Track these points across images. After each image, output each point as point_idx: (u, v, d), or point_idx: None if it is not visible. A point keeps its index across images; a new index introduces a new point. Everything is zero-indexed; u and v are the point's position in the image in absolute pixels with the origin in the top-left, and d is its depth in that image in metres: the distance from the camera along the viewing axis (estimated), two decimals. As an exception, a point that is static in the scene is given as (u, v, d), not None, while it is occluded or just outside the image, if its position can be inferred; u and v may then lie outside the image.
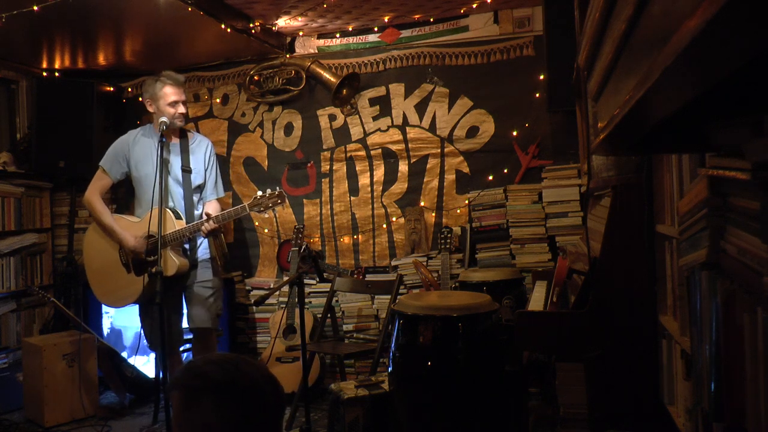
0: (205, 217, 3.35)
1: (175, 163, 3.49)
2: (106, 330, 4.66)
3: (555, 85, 3.44)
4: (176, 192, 3.47)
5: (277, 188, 3.31)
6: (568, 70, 3.14)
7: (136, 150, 3.52)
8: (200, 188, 3.55)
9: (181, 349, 3.66)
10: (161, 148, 3.32)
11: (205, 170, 3.56)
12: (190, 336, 3.62)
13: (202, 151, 3.57)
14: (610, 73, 0.88)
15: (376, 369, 3.61)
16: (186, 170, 3.49)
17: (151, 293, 3.34)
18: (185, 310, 3.55)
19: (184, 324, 3.58)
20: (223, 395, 1.21)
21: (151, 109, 3.48)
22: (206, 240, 3.53)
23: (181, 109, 3.44)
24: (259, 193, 3.25)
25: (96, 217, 3.53)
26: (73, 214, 4.63)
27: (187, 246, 3.47)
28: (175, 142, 3.53)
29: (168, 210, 3.37)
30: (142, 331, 3.56)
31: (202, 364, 1.28)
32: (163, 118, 3.37)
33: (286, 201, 3.30)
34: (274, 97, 4.41)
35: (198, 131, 4.39)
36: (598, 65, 0.93)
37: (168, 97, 3.41)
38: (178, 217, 3.39)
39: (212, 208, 3.51)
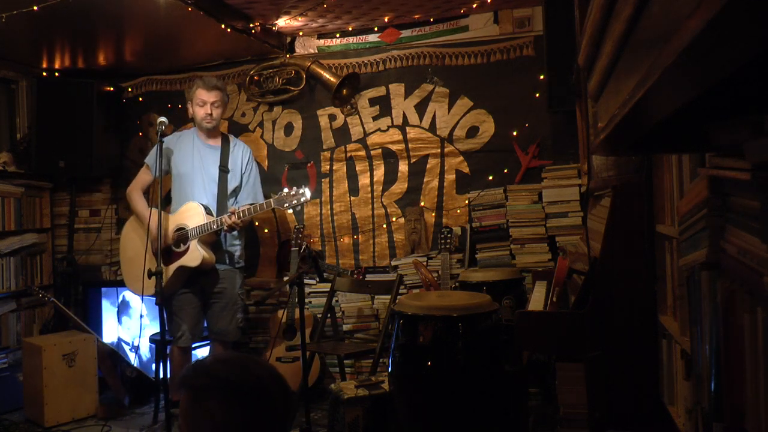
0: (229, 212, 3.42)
1: (213, 162, 3.64)
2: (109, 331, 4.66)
3: (555, 85, 3.43)
4: (211, 190, 3.60)
5: (303, 187, 3.39)
6: (568, 70, 3.14)
7: (178, 149, 3.68)
8: (236, 192, 3.67)
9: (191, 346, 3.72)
10: (160, 148, 3.42)
11: (242, 174, 3.69)
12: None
13: (239, 155, 3.71)
14: (610, 73, 0.88)
15: (376, 369, 3.61)
16: (223, 170, 3.63)
17: (174, 285, 3.50)
18: (209, 317, 3.66)
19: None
20: (230, 395, 1.20)
21: (190, 111, 3.71)
22: (239, 246, 3.67)
23: (207, 110, 3.57)
24: (285, 189, 3.37)
25: (132, 207, 3.75)
26: (73, 214, 4.63)
27: (230, 249, 3.59)
28: (216, 144, 3.70)
29: (200, 205, 3.51)
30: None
31: (210, 363, 1.27)
32: (163, 119, 3.48)
33: (309, 198, 3.38)
34: (274, 97, 4.41)
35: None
36: (598, 65, 0.93)
37: (197, 98, 3.59)
38: (208, 212, 3.51)
39: None
